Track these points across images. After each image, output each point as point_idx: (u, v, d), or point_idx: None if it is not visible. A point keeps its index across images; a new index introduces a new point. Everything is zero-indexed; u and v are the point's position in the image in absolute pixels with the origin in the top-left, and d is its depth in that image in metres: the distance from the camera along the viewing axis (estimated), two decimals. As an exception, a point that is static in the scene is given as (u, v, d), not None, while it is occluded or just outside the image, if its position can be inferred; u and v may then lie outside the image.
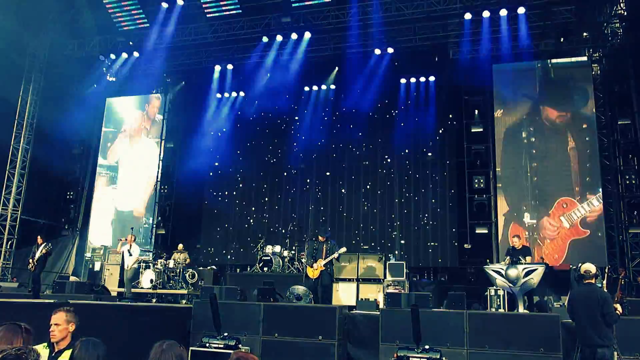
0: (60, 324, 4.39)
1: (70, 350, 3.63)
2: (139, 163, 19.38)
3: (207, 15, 16.81)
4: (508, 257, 10.62)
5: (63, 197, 20.15)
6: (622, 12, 15.85)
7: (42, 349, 4.38)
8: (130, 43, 18.08)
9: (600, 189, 15.07)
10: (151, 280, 13.58)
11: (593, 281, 6.86)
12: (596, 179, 15.20)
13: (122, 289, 14.29)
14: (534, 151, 15.93)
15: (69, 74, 18.69)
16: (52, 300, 8.20)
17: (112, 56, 18.43)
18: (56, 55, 18.43)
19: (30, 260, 12.06)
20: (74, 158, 20.24)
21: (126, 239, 13.69)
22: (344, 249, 11.19)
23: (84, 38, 18.39)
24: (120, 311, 8.35)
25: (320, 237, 11.04)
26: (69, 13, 17.76)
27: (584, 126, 15.71)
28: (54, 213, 19.68)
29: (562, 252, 14.89)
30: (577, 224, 15.06)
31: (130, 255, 13.38)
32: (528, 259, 10.65)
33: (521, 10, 15.08)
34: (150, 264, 14.11)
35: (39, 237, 12.30)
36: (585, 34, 16.15)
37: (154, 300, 12.89)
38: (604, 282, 11.45)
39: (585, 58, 16.36)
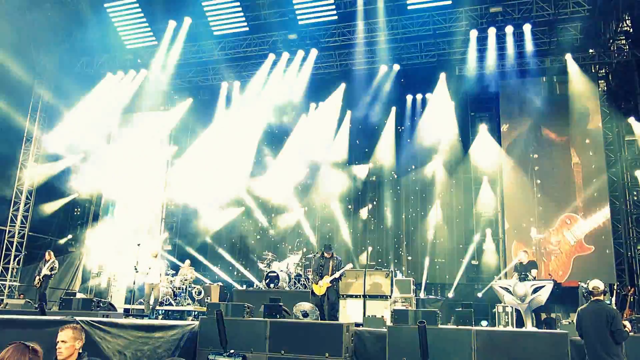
0: (67, 341, 4.39)
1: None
2: (145, 179, 19.44)
3: (215, 33, 16.99)
4: (516, 273, 10.57)
5: (70, 214, 20.22)
6: (628, 28, 15.91)
7: (49, 366, 4.38)
8: (139, 61, 18.29)
9: (608, 205, 14.98)
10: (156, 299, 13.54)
11: (602, 298, 6.81)
12: (603, 195, 15.13)
13: (128, 306, 14.28)
14: (537, 167, 15.90)
15: (77, 91, 18.86)
16: (58, 317, 8.20)
17: (121, 73, 18.61)
18: (64, 72, 18.63)
19: (37, 277, 12.10)
20: (82, 174, 20.32)
21: (152, 254, 13.21)
22: (349, 265, 11.16)
23: (93, 56, 18.61)
24: (126, 329, 8.33)
25: (325, 254, 11.02)
26: (78, 31, 17.97)
27: (587, 142, 15.68)
28: (61, 230, 19.74)
29: (567, 268, 14.79)
30: (582, 241, 14.96)
31: (160, 274, 12.94)
32: (534, 272, 10.59)
33: (527, 27, 15.17)
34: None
35: (47, 252, 12.35)
36: (591, 50, 16.19)
37: (160, 317, 12.85)
38: (613, 299, 11.37)
39: (591, 74, 16.39)
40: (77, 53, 18.58)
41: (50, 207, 19.06)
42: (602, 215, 14.94)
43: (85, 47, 18.19)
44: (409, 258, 17.12)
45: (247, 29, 16.85)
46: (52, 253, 12.48)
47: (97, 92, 18.74)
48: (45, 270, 12.07)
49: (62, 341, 4.39)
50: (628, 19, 15.77)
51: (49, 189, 18.68)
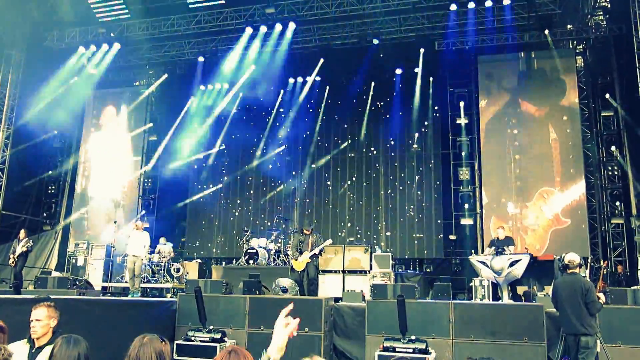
0: (42, 319, 4.30)
1: (51, 346, 3.55)
2: (121, 156, 19.15)
3: (190, 6, 16.58)
4: (492, 248, 10.69)
5: (44, 192, 19.86)
6: (606, 4, 15.98)
7: (23, 345, 4.29)
8: (112, 34, 17.78)
9: (583, 180, 15.20)
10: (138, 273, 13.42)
11: (577, 271, 6.92)
12: (579, 170, 15.36)
13: (106, 284, 14.16)
14: (516, 142, 16.04)
15: (49, 66, 18.32)
16: (33, 296, 8.07)
17: (93, 47, 18.10)
18: (35, 46, 18.05)
19: (11, 256, 11.87)
20: (55, 151, 19.93)
21: (136, 225, 12.76)
22: (329, 241, 11.18)
23: (64, 29, 18.03)
24: (103, 306, 8.25)
25: (305, 230, 11.01)
26: (47, 3, 17.40)
27: (565, 118, 15.84)
28: (35, 208, 19.37)
29: (544, 242, 15.04)
30: (558, 214, 15.20)
31: (144, 246, 12.50)
32: (511, 248, 10.73)
33: (506, 1, 15.10)
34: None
35: (22, 231, 12.09)
36: (569, 26, 16.24)
37: (139, 294, 12.76)
38: (587, 271, 11.60)
39: (569, 50, 16.47)
40: (47, 27, 17.97)
41: (23, 185, 18.66)
42: (579, 189, 15.17)
43: (55, 21, 17.63)
44: (388, 233, 17.21)
45: (223, 1, 16.47)
46: (26, 231, 12.21)
47: (69, 66, 18.22)
48: (19, 249, 11.82)
49: (37, 319, 4.30)
50: (606, -6, 15.84)
51: (22, 167, 18.25)
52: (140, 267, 12.41)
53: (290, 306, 2.51)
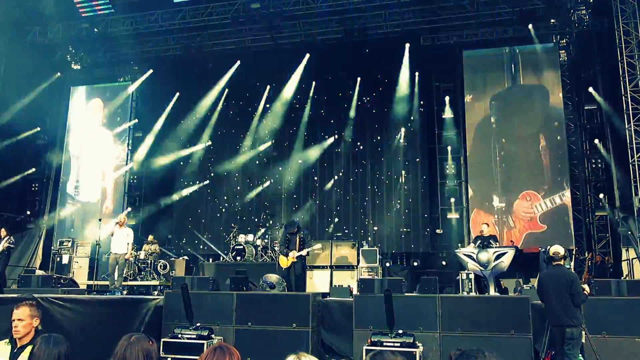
0: (24, 319, 4.24)
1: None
2: (106, 153, 18.96)
3: (175, 1, 16.43)
4: (476, 244, 10.79)
5: (28, 189, 19.60)
6: (588, -2, 16.10)
7: (4, 345, 4.23)
8: (95, 30, 17.58)
9: (568, 185, 15.22)
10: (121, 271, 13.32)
11: (562, 263, 6.98)
12: (564, 163, 15.45)
13: (91, 282, 14.03)
14: (502, 139, 16.12)
15: (32, 62, 18.05)
16: (16, 295, 7.97)
17: (77, 43, 17.90)
18: (17, 42, 17.77)
19: (-7, 255, 11.74)
20: (39, 149, 19.66)
21: (117, 222, 12.26)
22: (318, 246, 11.23)
23: (46, 24, 17.78)
24: (89, 304, 8.16)
25: (290, 230, 11.03)
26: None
27: (549, 112, 15.89)
28: (19, 206, 19.12)
29: (518, 244, 14.86)
30: (536, 218, 15.25)
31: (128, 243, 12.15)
32: (496, 245, 10.82)
33: (490, -4, 15.18)
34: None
35: (2, 229, 11.93)
36: (552, 20, 16.36)
37: (125, 292, 12.66)
38: (572, 263, 11.72)
39: (552, 44, 16.59)
40: (29, 22, 17.71)
41: (5, 183, 18.39)
42: (561, 197, 15.17)
43: (37, 16, 17.36)
44: (375, 228, 17.24)
45: (208, -4, 16.39)
46: (6, 229, 12.05)
47: (52, 62, 17.99)
48: (1, 247, 11.68)
49: (19, 319, 4.24)
50: (588, -11, 15.96)
51: (4, 165, 17.99)
52: (122, 264, 12.22)
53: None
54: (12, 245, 12.27)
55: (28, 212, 19.38)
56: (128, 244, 12.08)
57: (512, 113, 16.21)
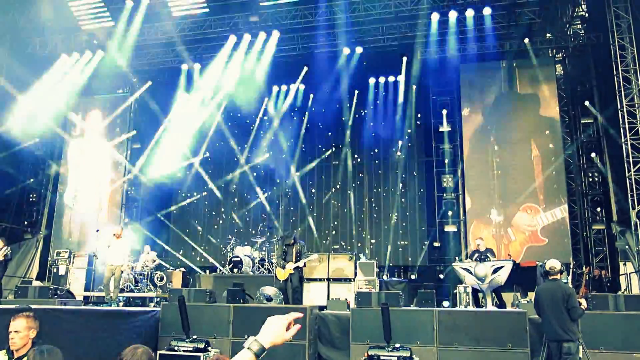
0: (20, 330, 4.23)
1: (31, 357, 3.49)
2: (104, 164, 18.96)
3: (173, 14, 16.55)
4: (473, 259, 10.80)
5: (25, 200, 19.57)
6: (584, 13, 16.26)
7: (2, 357, 4.23)
8: (95, 42, 17.68)
9: (566, 199, 15.22)
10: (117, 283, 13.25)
11: (558, 277, 7.00)
12: (561, 181, 15.39)
13: (88, 293, 13.97)
14: (497, 150, 16.12)
15: (32, 73, 18.11)
16: (13, 306, 7.95)
17: (76, 55, 17.98)
18: (18, 53, 17.84)
19: (-10, 265, 11.70)
20: (37, 159, 19.64)
21: (114, 234, 12.15)
22: (315, 256, 11.18)
23: (46, 36, 17.88)
24: (85, 316, 8.14)
25: (287, 241, 11.02)
26: (29, 10, 17.23)
27: (544, 124, 15.89)
28: (16, 216, 19.07)
29: (518, 257, 14.85)
30: (537, 232, 15.24)
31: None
32: (494, 259, 10.83)
33: (487, 11, 15.30)
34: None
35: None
36: (548, 34, 16.49)
37: (121, 303, 12.62)
38: (569, 277, 11.72)
39: (548, 58, 16.71)
40: (30, 34, 17.81)
41: (4, 194, 18.36)
42: (562, 210, 15.15)
43: (37, 28, 17.45)
44: (372, 241, 17.26)
45: (207, 10, 16.48)
46: (3, 240, 12.02)
47: (52, 74, 18.04)
48: (-2, 258, 11.66)
49: (15, 331, 4.23)
50: (584, 4, 16.12)
51: (3, 175, 17.96)
52: (119, 276, 12.18)
53: (299, 315, 2.37)
54: (9, 257, 12.23)
55: (25, 223, 19.34)
56: (125, 255, 12.07)
57: (506, 121, 16.22)
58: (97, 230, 14.66)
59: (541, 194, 15.46)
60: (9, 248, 11.98)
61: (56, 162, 19.56)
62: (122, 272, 12.24)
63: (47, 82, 18.12)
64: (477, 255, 10.94)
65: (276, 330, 2.30)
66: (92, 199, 18.69)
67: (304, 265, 11.00)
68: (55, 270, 15.91)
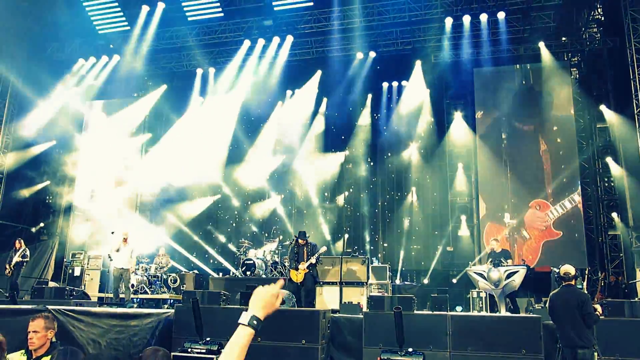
0: (39, 331, 4.31)
1: (49, 357, 3.55)
2: (119, 167, 19.14)
3: (189, 19, 16.70)
4: (490, 260, 10.73)
5: (42, 201, 19.82)
6: (600, 17, 16.13)
7: (20, 357, 4.30)
8: (111, 46, 17.90)
9: (578, 190, 15.18)
10: (132, 285, 13.39)
11: (573, 283, 6.93)
12: (573, 181, 15.34)
13: (103, 294, 14.10)
14: (510, 153, 16.08)
15: (49, 77, 18.38)
16: (30, 306, 8.06)
17: (93, 59, 18.22)
18: (35, 57, 18.13)
19: (7, 266, 11.87)
20: (54, 161, 19.89)
21: (124, 238, 12.39)
22: (324, 249, 11.18)
23: (64, 41, 18.15)
24: (100, 317, 8.22)
25: (300, 241, 11.03)
26: (47, 15, 17.48)
27: (555, 129, 15.85)
28: (33, 217, 19.33)
29: (536, 254, 14.97)
30: (550, 226, 15.20)
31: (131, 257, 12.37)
32: (509, 262, 10.75)
33: (501, 15, 15.26)
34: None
35: (17, 241, 12.09)
36: (564, 38, 16.38)
37: (135, 305, 12.72)
38: (585, 283, 11.61)
39: (564, 62, 16.59)
40: (47, 38, 18.09)
41: (21, 195, 18.63)
42: (571, 200, 15.16)
43: (55, 32, 17.72)
44: (385, 245, 17.23)
45: (221, 14, 16.60)
46: (22, 241, 12.19)
47: (69, 78, 18.30)
48: (16, 259, 11.83)
49: (34, 331, 4.31)
50: (600, 8, 15.99)
51: (20, 177, 18.25)
52: (128, 279, 12.23)
53: (282, 282, 2.42)
54: (26, 259, 12.40)
55: (42, 224, 19.58)
56: (133, 258, 12.17)
57: (520, 123, 16.17)
58: (112, 232, 14.78)
59: (549, 188, 15.38)
60: (27, 250, 12.14)
61: (72, 165, 19.78)
62: (130, 274, 12.31)
63: (64, 86, 18.38)
64: (491, 258, 10.87)
65: (268, 300, 2.38)
66: (107, 201, 18.86)
67: (317, 262, 10.97)
68: (70, 271, 16.09)
